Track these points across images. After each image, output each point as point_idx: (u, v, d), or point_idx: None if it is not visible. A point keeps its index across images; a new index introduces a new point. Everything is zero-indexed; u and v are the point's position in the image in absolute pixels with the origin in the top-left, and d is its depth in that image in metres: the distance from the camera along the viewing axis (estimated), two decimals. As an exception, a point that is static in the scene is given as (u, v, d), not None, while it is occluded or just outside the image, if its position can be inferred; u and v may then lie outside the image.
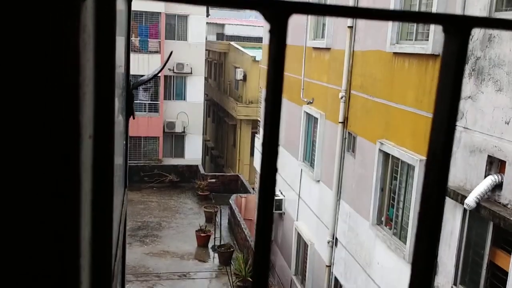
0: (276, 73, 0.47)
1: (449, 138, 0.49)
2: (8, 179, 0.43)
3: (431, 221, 0.51)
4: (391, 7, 8.97)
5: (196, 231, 18.95)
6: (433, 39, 7.67)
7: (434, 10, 7.71)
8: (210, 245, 18.78)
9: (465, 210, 6.79)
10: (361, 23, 10.40)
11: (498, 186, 6.31)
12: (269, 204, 0.48)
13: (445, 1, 7.52)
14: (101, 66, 0.58)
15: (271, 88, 0.47)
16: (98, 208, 0.62)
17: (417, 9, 8.47)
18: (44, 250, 0.45)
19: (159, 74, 26.52)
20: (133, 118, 1.71)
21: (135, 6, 27.03)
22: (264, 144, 0.48)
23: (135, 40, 26.54)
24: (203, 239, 18.72)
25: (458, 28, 0.48)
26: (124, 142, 1.59)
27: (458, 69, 0.50)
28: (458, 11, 7.10)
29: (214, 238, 18.64)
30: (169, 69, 27.13)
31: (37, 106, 0.41)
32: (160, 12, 26.42)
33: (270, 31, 0.46)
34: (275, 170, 0.48)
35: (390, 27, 8.98)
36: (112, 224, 0.76)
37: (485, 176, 6.46)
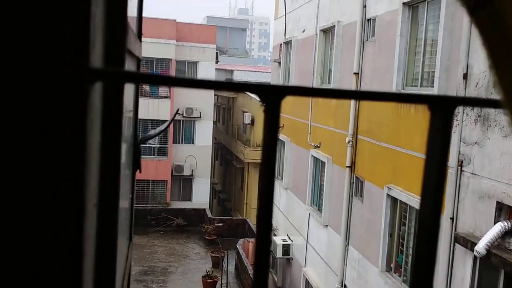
0: (269, 147, 0.50)
1: (436, 215, 0.51)
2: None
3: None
4: (395, 61, 9.12)
5: (202, 276, 18.66)
6: (439, 85, 7.76)
7: (438, 58, 7.84)
8: (216, 291, 18.43)
9: (475, 257, 6.67)
10: (367, 69, 10.56)
11: (508, 233, 6.22)
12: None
13: (448, 50, 7.65)
14: (108, 140, 0.62)
15: (265, 163, 0.50)
16: (101, 269, 0.64)
17: (421, 61, 8.62)
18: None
19: (169, 119, 26.81)
20: (140, 172, 1.74)
21: (146, 53, 27.57)
22: (258, 221, 0.50)
23: (145, 86, 27.00)
24: (209, 285, 18.40)
25: (442, 107, 0.51)
26: (130, 195, 1.62)
27: (444, 145, 0.52)
28: (462, 58, 7.21)
29: (221, 284, 18.32)
30: (178, 113, 27.45)
31: (43, 179, 0.44)
32: (171, 59, 26.97)
33: (265, 111, 0.50)
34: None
35: (395, 72, 9.12)
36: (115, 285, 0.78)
37: (495, 223, 6.38)
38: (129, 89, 1.35)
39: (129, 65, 1.16)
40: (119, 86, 0.68)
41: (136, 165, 1.62)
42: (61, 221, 0.46)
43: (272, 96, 0.48)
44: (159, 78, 0.47)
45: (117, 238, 0.78)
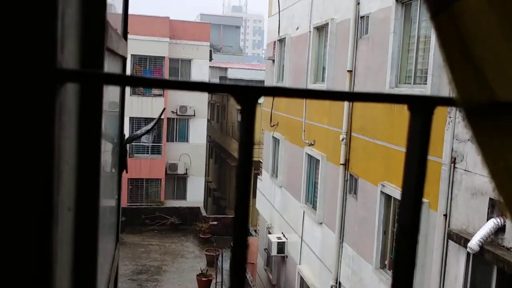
0: (246, 147, 0.49)
1: (416, 214, 0.50)
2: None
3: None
4: (389, 58, 9.13)
5: (197, 275, 18.65)
6: (432, 83, 7.78)
7: (431, 55, 7.85)
8: (211, 289, 18.43)
9: (468, 254, 6.70)
10: (361, 66, 10.57)
11: (501, 229, 6.25)
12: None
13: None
14: (85, 142, 0.60)
15: (241, 162, 0.49)
16: (80, 277, 0.62)
17: (414, 58, 8.64)
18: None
19: (163, 117, 26.77)
20: (126, 172, 1.72)
21: (139, 51, 27.41)
22: (235, 219, 0.49)
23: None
24: (204, 284, 18.40)
25: (421, 107, 0.51)
26: (117, 196, 1.60)
27: (423, 144, 0.52)
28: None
29: (216, 282, 18.32)
30: (172, 111, 27.41)
31: (11, 180, 0.43)
32: (164, 57, 26.91)
33: (240, 112, 0.49)
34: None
35: (389, 70, 9.13)
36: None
37: (488, 219, 6.41)
38: (114, 89, 1.33)
39: (112, 65, 1.14)
40: (94, 87, 0.66)
41: (122, 165, 1.61)
42: (27, 225, 0.44)
43: (247, 96, 0.47)
44: (132, 79, 0.46)
45: (98, 241, 0.77)
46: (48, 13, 0.43)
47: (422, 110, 0.51)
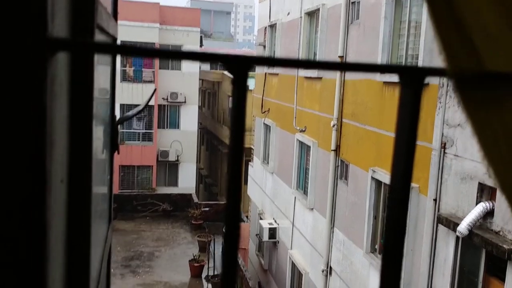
0: (238, 118, 0.50)
1: (406, 186, 0.51)
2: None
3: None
4: (380, 43, 9.13)
5: (189, 261, 18.74)
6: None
7: (422, 40, 7.86)
8: (203, 275, 18.54)
9: (457, 237, 6.78)
10: (352, 52, 10.56)
11: (489, 213, 6.33)
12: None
13: (432, 33, 7.67)
14: (77, 114, 0.60)
15: (233, 133, 0.50)
16: (73, 249, 0.63)
17: (405, 43, 8.64)
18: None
19: (153, 104, 26.64)
20: (118, 153, 1.72)
21: (129, 37, 27.14)
22: (228, 190, 0.50)
23: (129, 70, 26.74)
24: (196, 269, 18.50)
25: (412, 78, 0.51)
26: (109, 176, 1.60)
27: (414, 116, 0.52)
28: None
29: (208, 268, 18.42)
30: (163, 98, 27.28)
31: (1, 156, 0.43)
32: (154, 43, 26.70)
33: (232, 82, 0.49)
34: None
35: (380, 55, 9.13)
36: (89, 265, 0.77)
37: (477, 203, 6.48)
38: (104, 68, 1.32)
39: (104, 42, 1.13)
40: (85, 58, 0.66)
41: (113, 146, 1.61)
42: (20, 192, 0.44)
43: (239, 65, 0.47)
44: (122, 48, 0.46)
45: (91, 213, 0.77)
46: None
47: (413, 81, 0.51)
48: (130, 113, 3.04)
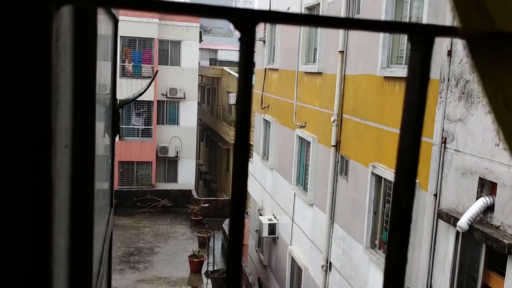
0: (245, 79, 0.49)
1: (415, 147, 0.50)
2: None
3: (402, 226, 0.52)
4: (380, 38, 9.10)
5: (189, 256, 18.75)
6: (423, 63, 7.77)
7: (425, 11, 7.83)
8: (203, 270, 18.55)
9: (458, 232, 6.78)
10: (352, 48, 10.54)
11: (490, 208, 6.32)
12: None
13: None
14: (81, 76, 0.59)
15: (241, 94, 0.49)
16: (77, 216, 0.62)
17: (406, 38, 8.61)
18: (13, 259, 0.45)
19: (152, 99, 26.61)
20: (120, 138, 1.71)
21: (128, 32, 27.13)
22: (235, 148, 0.49)
23: (128, 66, 26.69)
24: (196, 265, 18.51)
25: (422, 37, 0.50)
26: (110, 160, 1.59)
27: (424, 76, 0.51)
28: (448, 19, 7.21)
29: (208, 263, 18.44)
30: (162, 94, 27.25)
31: (6, 111, 0.42)
32: (154, 38, 26.65)
33: (240, 39, 0.48)
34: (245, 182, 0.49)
35: (380, 50, 9.11)
36: (92, 234, 0.76)
37: (477, 198, 6.48)
38: (105, 63, 1.31)
39: (106, 24, 1.12)
40: (89, 12, 0.65)
41: (115, 129, 1.60)
42: (26, 149, 0.43)
43: (247, 20, 0.46)
44: (129, 1, 0.45)
45: (94, 180, 0.76)
46: None
47: (422, 39, 0.50)
48: (131, 96, 3.03)
